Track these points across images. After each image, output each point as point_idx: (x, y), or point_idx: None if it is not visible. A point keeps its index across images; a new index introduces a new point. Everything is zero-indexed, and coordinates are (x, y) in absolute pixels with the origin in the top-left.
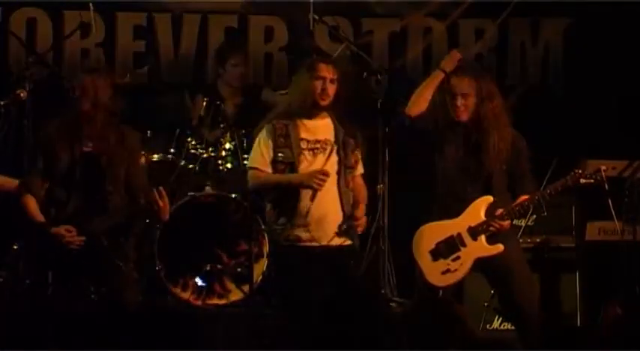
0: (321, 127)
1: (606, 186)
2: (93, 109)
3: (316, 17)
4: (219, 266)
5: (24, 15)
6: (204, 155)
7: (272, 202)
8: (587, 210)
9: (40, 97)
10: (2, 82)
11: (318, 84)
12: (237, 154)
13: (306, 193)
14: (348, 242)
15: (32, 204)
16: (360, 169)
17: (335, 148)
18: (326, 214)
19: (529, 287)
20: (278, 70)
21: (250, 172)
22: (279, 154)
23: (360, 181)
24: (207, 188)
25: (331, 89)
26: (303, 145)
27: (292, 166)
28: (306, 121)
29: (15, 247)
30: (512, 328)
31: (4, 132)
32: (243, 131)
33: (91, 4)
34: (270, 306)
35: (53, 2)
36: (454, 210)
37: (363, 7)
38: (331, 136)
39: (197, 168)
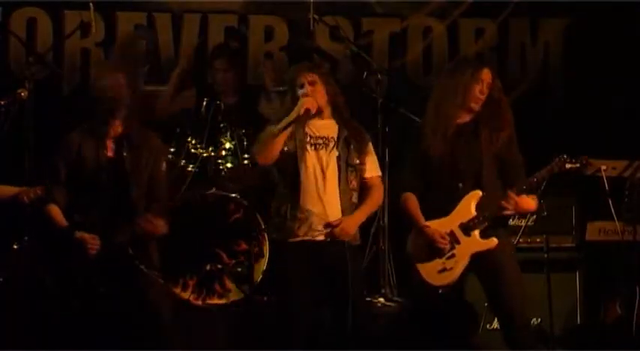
0: (326, 126)
1: (606, 186)
2: (116, 111)
3: (316, 17)
4: (219, 266)
5: (24, 15)
6: (204, 155)
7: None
8: (587, 210)
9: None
10: (2, 82)
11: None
12: (237, 154)
13: (307, 188)
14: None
15: (56, 212)
16: (371, 170)
17: (336, 143)
18: (323, 210)
19: (518, 287)
20: (278, 70)
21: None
22: (285, 148)
23: (373, 182)
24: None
25: (311, 91)
26: (307, 139)
27: (295, 159)
28: (311, 122)
29: (15, 246)
30: None
31: (4, 132)
32: (243, 131)
33: (91, 4)
34: (270, 306)
35: (53, 2)
36: (446, 207)
37: (363, 7)
38: (334, 134)
39: (197, 168)
